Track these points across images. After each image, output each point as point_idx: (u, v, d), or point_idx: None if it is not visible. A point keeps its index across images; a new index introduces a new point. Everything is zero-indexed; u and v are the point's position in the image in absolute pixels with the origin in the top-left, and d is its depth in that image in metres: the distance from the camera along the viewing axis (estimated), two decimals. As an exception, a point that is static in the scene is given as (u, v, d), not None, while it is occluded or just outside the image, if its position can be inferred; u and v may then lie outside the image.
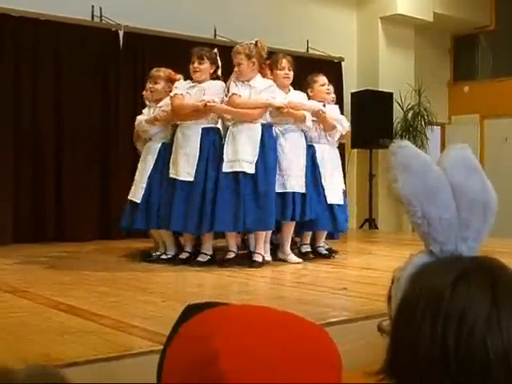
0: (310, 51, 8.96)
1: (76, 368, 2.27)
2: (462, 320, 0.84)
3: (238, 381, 0.75)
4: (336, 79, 8.89)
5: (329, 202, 5.40)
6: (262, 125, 5.04)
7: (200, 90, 5.12)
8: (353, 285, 4.30)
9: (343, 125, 5.72)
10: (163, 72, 5.50)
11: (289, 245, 5.30)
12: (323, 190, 5.40)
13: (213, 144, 5.03)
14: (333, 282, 4.56)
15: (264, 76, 5.18)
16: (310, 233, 5.57)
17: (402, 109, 9.59)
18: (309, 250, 5.52)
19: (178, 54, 7.63)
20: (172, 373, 0.85)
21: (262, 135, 4.99)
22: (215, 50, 5.27)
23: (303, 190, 5.14)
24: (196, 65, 5.12)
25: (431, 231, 0.98)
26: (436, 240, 0.98)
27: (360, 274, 4.81)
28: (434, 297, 0.86)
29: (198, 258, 5.04)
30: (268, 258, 5.13)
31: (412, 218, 0.99)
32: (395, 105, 9.49)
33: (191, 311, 0.98)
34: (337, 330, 2.99)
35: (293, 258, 5.22)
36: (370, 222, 9.25)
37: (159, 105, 5.36)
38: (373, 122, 8.95)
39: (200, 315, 0.88)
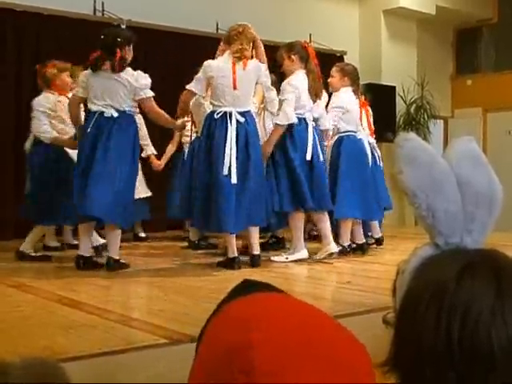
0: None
1: (80, 362, 2.28)
2: (467, 312, 0.84)
3: (267, 373, 0.76)
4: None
5: None
6: None
7: None
8: (356, 278, 4.31)
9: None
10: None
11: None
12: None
13: None
14: (336, 275, 4.57)
15: None
16: None
17: (405, 102, 9.58)
18: None
19: (180, 48, 7.65)
20: (208, 347, 0.86)
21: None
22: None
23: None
24: None
25: (436, 224, 0.98)
26: (441, 232, 0.98)
27: (363, 268, 4.82)
28: (439, 289, 0.86)
29: None
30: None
31: (417, 210, 0.98)
32: (398, 98, 9.48)
33: (245, 288, 0.99)
34: (341, 324, 3.00)
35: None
36: (372, 216, 9.23)
37: None
38: (375, 115, 8.90)
39: (244, 299, 0.90)
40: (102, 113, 4.52)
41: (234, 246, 4.67)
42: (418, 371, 0.86)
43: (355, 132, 5.60)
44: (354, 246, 5.58)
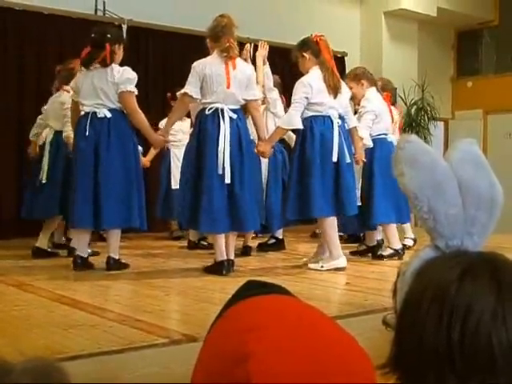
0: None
1: (79, 361, 2.28)
2: (468, 315, 0.84)
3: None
4: (339, 74, 8.88)
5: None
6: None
7: None
8: (355, 279, 4.31)
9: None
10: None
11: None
12: None
13: None
14: (335, 276, 4.56)
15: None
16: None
17: (406, 104, 9.58)
18: None
19: (181, 48, 7.64)
20: (208, 356, 0.86)
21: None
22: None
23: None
24: None
25: (437, 226, 0.98)
26: (442, 235, 0.98)
27: (362, 269, 4.81)
28: (440, 291, 0.86)
29: None
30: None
31: (418, 212, 0.99)
32: (398, 100, 9.47)
33: (248, 291, 0.98)
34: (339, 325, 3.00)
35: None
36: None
37: None
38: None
39: (243, 305, 0.89)
40: (95, 113, 4.49)
41: (222, 248, 4.45)
42: (418, 373, 0.87)
43: (386, 134, 5.46)
44: (407, 247, 5.44)
